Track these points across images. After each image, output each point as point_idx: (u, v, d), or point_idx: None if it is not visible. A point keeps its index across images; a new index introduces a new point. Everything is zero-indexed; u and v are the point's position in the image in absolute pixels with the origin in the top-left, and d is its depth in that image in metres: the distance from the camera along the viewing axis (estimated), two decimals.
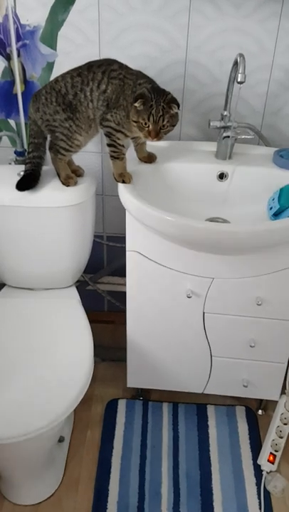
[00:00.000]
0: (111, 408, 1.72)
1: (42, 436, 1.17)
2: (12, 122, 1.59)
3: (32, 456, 1.32)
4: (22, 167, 1.42)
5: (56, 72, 1.45)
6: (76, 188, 1.39)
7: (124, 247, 1.37)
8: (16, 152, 1.57)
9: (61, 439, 1.56)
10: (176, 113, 1.21)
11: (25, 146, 1.60)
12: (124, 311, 1.50)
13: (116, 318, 1.96)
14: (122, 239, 1.37)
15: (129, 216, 1.30)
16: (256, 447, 1.61)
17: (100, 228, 1.79)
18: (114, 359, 1.88)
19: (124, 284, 1.44)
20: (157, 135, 1.20)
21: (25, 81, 1.51)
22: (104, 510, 1.43)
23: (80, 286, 1.78)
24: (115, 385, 1.80)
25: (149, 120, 1.18)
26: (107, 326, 1.97)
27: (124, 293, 1.46)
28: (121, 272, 1.46)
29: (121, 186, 1.27)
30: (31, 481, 1.42)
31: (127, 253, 1.37)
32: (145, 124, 1.19)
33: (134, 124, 1.21)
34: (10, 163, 1.57)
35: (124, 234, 1.35)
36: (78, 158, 1.47)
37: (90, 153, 1.62)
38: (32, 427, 1.14)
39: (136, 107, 1.18)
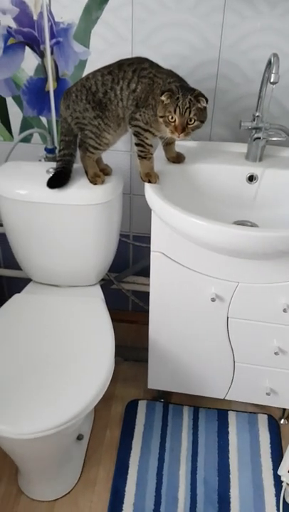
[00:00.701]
0: (131, 408, 1.71)
1: (60, 434, 1.17)
2: (44, 119, 1.60)
3: (50, 453, 1.32)
4: (51, 164, 1.43)
5: (88, 70, 1.44)
6: (103, 187, 1.39)
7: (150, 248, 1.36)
8: (46, 149, 1.58)
9: (80, 437, 1.56)
10: (204, 108, 1.17)
11: (56, 144, 1.60)
12: (148, 312, 1.49)
13: (140, 318, 1.95)
14: (148, 239, 1.36)
15: (154, 216, 1.29)
16: (277, 457, 1.57)
17: (126, 227, 1.78)
18: (137, 359, 1.88)
19: (149, 285, 1.43)
20: (184, 130, 1.16)
21: (58, 78, 1.51)
22: (119, 511, 1.42)
23: (105, 284, 1.78)
24: (137, 385, 1.79)
25: (175, 113, 1.15)
26: (131, 325, 1.96)
27: (149, 293, 1.45)
28: (146, 272, 1.46)
29: (147, 186, 1.26)
30: (48, 477, 1.43)
31: (152, 254, 1.36)
32: (172, 118, 1.16)
33: (161, 119, 1.18)
34: (40, 160, 1.58)
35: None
36: (107, 157, 1.47)
37: (120, 152, 1.62)
38: (50, 424, 1.15)
39: (162, 101, 1.15)
